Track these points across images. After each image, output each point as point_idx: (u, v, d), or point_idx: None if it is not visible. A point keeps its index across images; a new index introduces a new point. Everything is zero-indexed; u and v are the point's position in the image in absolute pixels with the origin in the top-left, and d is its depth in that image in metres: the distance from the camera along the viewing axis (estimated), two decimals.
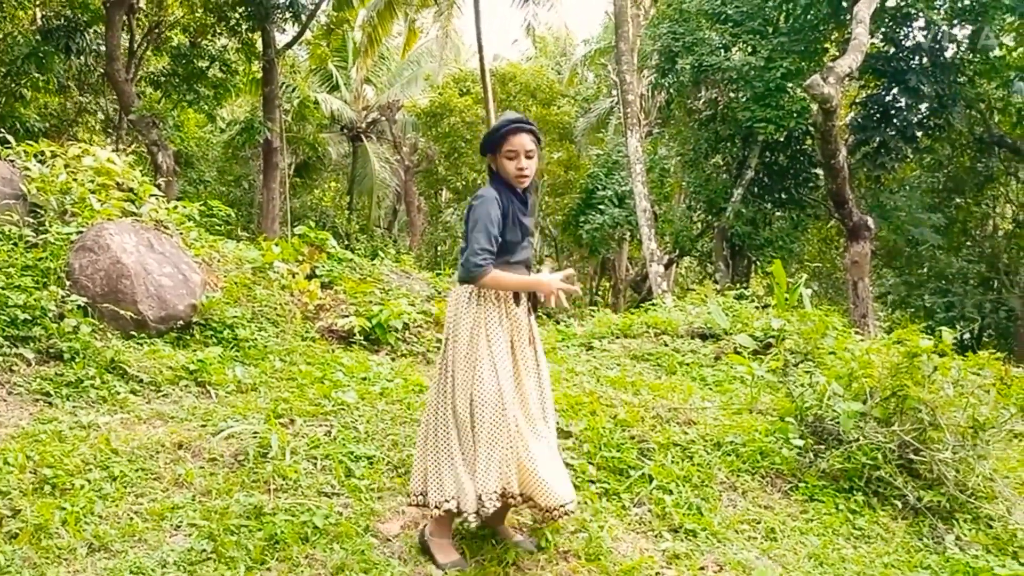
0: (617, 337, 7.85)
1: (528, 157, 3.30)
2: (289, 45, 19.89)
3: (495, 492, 3.19)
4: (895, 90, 15.06)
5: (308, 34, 21.25)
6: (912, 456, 4.36)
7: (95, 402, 4.81)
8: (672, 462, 4.49)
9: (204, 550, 3.25)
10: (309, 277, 7.88)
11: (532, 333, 3.43)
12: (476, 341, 3.28)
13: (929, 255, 17.36)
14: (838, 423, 4.57)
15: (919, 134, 15.59)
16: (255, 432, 4.39)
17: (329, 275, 8.15)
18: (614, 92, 22.88)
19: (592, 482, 4.21)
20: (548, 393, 3.46)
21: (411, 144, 27.93)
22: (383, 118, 27.58)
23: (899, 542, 3.92)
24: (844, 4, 14.24)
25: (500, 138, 3.30)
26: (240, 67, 19.00)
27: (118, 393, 4.92)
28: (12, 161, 6.91)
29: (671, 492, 4.16)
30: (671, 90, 17.30)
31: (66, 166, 7.07)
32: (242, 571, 3.14)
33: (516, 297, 3.36)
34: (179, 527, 3.45)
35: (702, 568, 3.53)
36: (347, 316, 7.11)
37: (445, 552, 3.36)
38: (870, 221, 12.72)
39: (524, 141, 3.29)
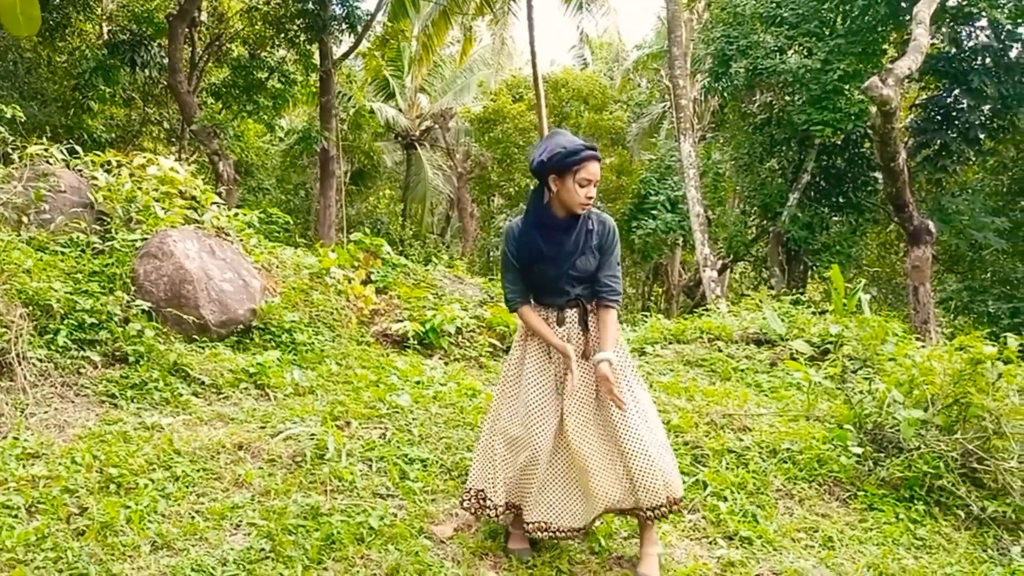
0: (670, 342, 7.80)
1: (594, 185, 3.25)
2: (345, 56, 20.20)
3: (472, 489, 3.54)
4: (957, 91, 14.67)
5: (364, 45, 21.54)
6: (976, 465, 4.25)
7: (158, 404, 4.94)
8: (727, 468, 4.45)
9: (263, 549, 3.32)
10: (364, 282, 7.99)
11: (586, 350, 3.35)
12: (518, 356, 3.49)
13: (993, 259, 16.84)
14: (898, 431, 4.48)
15: (982, 136, 15.16)
16: (312, 434, 4.47)
17: (384, 280, 8.26)
18: (667, 97, 22.73)
19: None
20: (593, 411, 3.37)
21: (464, 151, 28.13)
22: (436, 126, 27.83)
23: (962, 553, 3.82)
24: (903, 5, 13.93)
25: (576, 163, 3.18)
26: (298, 78, 19.33)
27: (181, 395, 5.05)
28: (80, 171, 7.15)
29: (726, 499, 4.12)
30: (725, 94, 17.11)
31: (131, 175, 7.29)
32: (299, 570, 3.20)
33: (560, 320, 3.37)
34: (239, 526, 3.53)
35: None
36: (401, 321, 7.20)
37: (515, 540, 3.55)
38: (931, 225, 12.39)
39: (597, 170, 3.22)
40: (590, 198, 3.24)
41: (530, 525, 3.40)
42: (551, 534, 3.40)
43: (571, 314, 3.37)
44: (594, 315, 3.38)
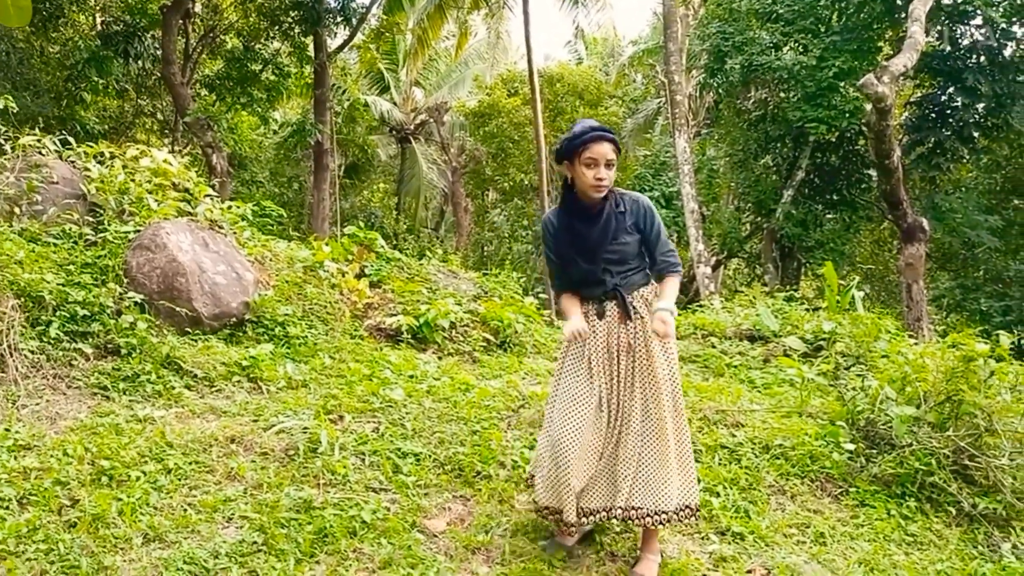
0: None
1: (608, 167, 3.20)
2: (340, 48, 20.13)
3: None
4: (951, 89, 14.72)
5: (359, 38, 21.47)
6: (967, 462, 4.27)
7: (151, 396, 4.93)
8: (719, 464, 4.46)
9: (255, 542, 3.32)
10: (358, 276, 7.96)
11: (629, 342, 3.33)
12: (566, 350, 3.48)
13: (986, 258, 16.91)
14: (890, 427, 4.49)
15: (976, 134, 15.21)
16: (305, 427, 4.46)
17: (378, 274, 8.23)
18: (662, 92, 22.73)
19: None
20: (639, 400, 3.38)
21: (458, 145, 28.08)
22: (431, 119, 27.76)
23: (953, 549, 3.84)
24: (899, 2, 13.97)
25: (581, 144, 3.18)
26: (292, 70, 19.28)
27: (173, 388, 5.03)
28: (73, 162, 7.10)
29: (718, 495, 4.13)
30: (720, 90, 17.13)
31: (124, 167, 7.24)
32: (292, 563, 3.19)
33: (600, 312, 3.35)
34: (231, 519, 3.52)
35: (749, 571, 3.50)
36: (395, 315, 7.18)
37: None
38: (925, 223, 12.45)
39: (606, 150, 3.18)
40: (599, 179, 3.20)
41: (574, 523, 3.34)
42: (593, 518, 3.37)
43: (611, 307, 3.35)
44: (635, 305, 3.34)
